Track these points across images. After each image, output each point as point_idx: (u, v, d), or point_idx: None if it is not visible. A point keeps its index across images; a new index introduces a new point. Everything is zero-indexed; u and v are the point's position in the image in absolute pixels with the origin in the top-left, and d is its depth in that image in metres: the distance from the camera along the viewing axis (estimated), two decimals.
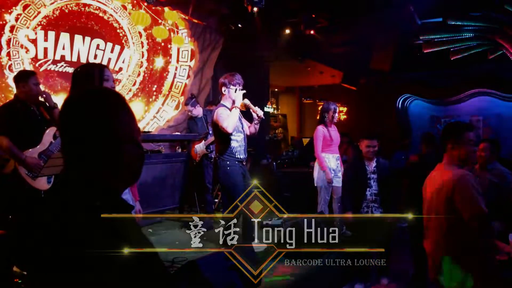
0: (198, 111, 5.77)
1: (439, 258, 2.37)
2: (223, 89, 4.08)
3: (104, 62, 6.18)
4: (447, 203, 2.26)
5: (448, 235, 2.30)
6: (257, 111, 4.10)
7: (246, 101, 4.18)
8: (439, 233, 2.35)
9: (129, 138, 1.04)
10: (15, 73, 3.86)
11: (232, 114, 3.89)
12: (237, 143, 4.00)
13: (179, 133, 6.84)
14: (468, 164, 2.45)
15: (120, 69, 6.45)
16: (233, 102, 4.03)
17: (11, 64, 5.20)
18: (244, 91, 4.11)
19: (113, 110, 1.03)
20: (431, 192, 2.40)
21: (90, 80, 2.53)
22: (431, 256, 2.45)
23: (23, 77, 3.63)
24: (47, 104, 3.79)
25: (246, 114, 4.27)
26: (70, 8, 5.78)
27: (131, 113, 1.07)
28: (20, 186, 3.43)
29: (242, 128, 4.12)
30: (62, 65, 5.66)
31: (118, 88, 6.37)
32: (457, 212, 2.24)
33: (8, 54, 5.18)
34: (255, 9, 6.74)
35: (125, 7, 6.46)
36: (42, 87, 3.85)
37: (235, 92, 4.03)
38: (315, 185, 5.13)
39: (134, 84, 6.72)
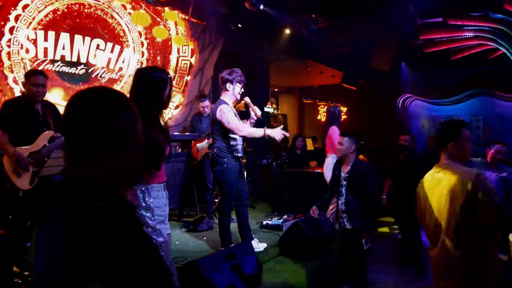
0: (209, 108, 5.76)
1: (454, 262, 2.32)
2: (227, 85, 4.09)
3: (104, 62, 6.18)
4: (465, 202, 2.22)
5: (463, 236, 2.27)
6: (256, 111, 4.21)
7: (247, 99, 4.23)
8: (451, 236, 2.30)
9: (132, 139, 1.04)
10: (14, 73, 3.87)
11: (256, 132, 3.94)
12: (236, 141, 4.05)
13: (178, 133, 6.84)
14: (466, 160, 2.43)
15: (120, 69, 6.45)
16: (235, 98, 4.13)
17: (11, 64, 5.19)
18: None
19: (117, 110, 1.03)
20: (441, 194, 2.34)
21: (164, 87, 2.40)
22: (443, 262, 2.37)
23: (25, 77, 3.66)
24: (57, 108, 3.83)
25: (242, 112, 4.31)
26: (70, 8, 5.77)
27: (134, 113, 1.07)
28: (1, 184, 3.43)
29: None
30: (59, 65, 5.66)
31: (121, 85, 6.37)
32: (474, 211, 2.21)
33: (8, 54, 5.17)
34: (261, 6, 6.71)
35: (125, 7, 6.45)
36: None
37: (240, 90, 4.10)
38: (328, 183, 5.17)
39: (141, 66, 6.73)
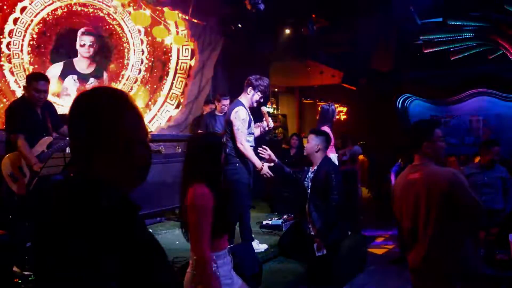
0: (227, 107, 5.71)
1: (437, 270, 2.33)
2: (249, 89, 4.06)
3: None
4: (442, 202, 2.26)
5: (440, 236, 2.29)
6: (269, 122, 4.25)
7: (264, 109, 4.28)
8: (428, 235, 2.32)
9: (137, 138, 1.04)
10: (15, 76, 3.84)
11: (252, 157, 3.92)
12: (249, 143, 4.06)
13: (178, 133, 6.83)
14: (440, 160, 2.45)
15: (120, 69, 6.46)
16: (251, 104, 4.11)
17: (12, 67, 5.18)
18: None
19: (120, 109, 1.03)
20: (417, 194, 2.36)
21: (221, 150, 2.37)
22: (421, 262, 2.38)
23: (27, 80, 3.56)
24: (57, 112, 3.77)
25: (253, 113, 4.32)
26: (70, 8, 5.77)
27: (138, 113, 1.07)
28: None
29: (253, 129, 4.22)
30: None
31: (121, 85, 6.37)
32: (453, 210, 2.25)
33: (8, 56, 5.16)
34: (262, 6, 6.71)
35: (129, 13, 6.45)
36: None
37: (258, 99, 4.08)
38: None
39: (139, 73, 6.75)
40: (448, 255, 2.29)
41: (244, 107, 4.02)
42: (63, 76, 5.77)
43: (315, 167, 3.45)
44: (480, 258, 2.69)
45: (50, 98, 5.34)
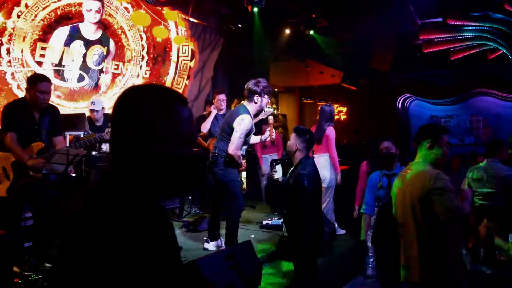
0: (225, 103, 5.63)
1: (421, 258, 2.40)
2: (255, 97, 3.97)
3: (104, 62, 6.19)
4: (424, 199, 2.35)
5: (427, 236, 2.37)
6: (272, 134, 4.25)
7: (271, 119, 4.27)
8: (415, 232, 2.40)
9: (186, 141, 0.98)
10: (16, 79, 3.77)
11: (238, 160, 3.94)
12: (246, 145, 4.07)
13: None
14: (442, 165, 2.50)
15: (118, 68, 6.46)
16: (262, 110, 4.09)
17: (13, 72, 5.16)
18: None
19: (170, 108, 0.96)
20: (404, 191, 2.47)
21: None
22: (413, 268, 2.45)
23: (30, 81, 3.49)
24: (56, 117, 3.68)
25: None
26: (69, 8, 5.76)
27: (189, 112, 1.00)
28: None
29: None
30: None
31: (120, 85, 6.37)
32: (432, 209, 2.33)
33: (9, 61, 5.13)
34: (255, 9, 6.73)
35: (128, 10, 6.45)
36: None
37: (267, 101, 4.05)
38: (327, 185, 5.09)
39: (141, 69, 6.76)
40: (430, 256, 2.36)
41: (250, 115, 3.94)
42: (67, 43, 5.64)
43: (292, 168, 3.30)
44: (465, 264, 2.78)
45: (60, 101, 5.38)
